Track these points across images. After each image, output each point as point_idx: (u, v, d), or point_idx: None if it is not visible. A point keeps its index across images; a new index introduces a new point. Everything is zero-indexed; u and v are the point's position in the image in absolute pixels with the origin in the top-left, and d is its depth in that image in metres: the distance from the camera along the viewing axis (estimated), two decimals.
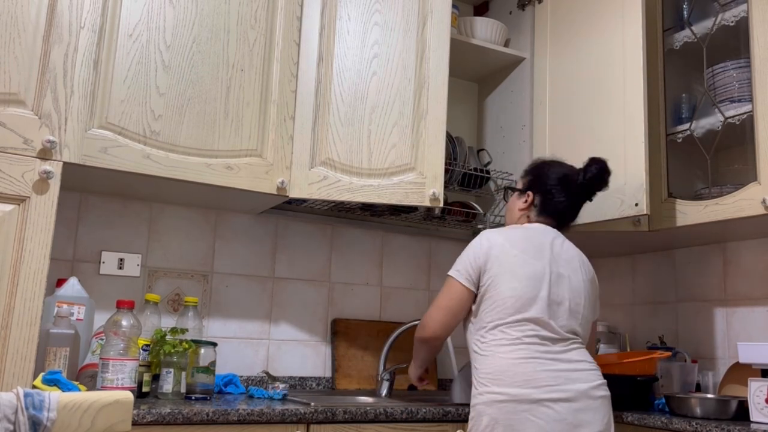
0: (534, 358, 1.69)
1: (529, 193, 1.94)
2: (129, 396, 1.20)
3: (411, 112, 2.14)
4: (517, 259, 1.77)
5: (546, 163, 1.99)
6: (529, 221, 1.92)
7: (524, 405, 1.64)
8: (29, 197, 1.66)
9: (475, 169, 2.56)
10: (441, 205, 2.12)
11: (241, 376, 2.24)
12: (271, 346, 2.36)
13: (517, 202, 1.96)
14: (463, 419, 1.88)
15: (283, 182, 2.01)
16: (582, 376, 1.70)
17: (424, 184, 2.11)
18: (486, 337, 1.74)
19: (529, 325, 1.72)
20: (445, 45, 2.19)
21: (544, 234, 1.86)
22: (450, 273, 1.83)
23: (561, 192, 1.91)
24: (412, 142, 2.12)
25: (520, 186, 1.99)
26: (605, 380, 1.76)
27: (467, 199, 2.60)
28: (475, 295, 1.80)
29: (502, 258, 1.77)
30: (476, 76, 2.81)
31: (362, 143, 2.11)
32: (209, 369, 1.94)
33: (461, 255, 1.84)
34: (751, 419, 1.83)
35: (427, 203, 2.10)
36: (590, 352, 1.85)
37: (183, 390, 1.87)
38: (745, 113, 2.07)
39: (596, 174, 1.90)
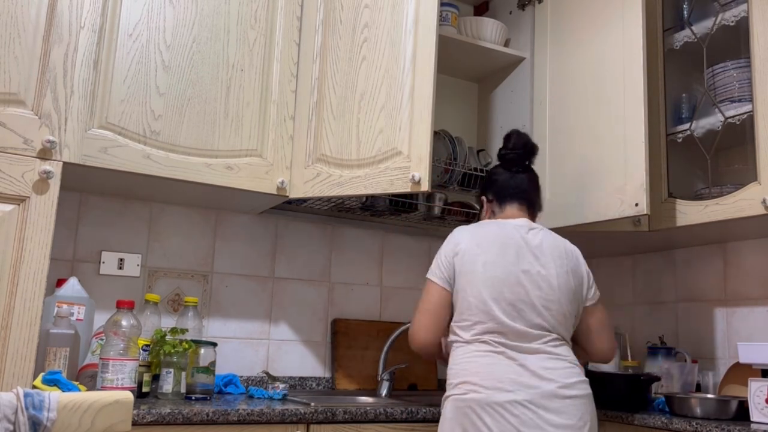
0: (496, 361, 1.66)
1: (483, 198, 1.98)
2: (129, 396, 1.20)
3: (398, 92, 2.01)
4: (479, 260, 1.75)
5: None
6: (496, 218, 1.91)
7: (481, 407, 1.61)
8: (29, 197, 1.66)
9: (475, 169, 2.56)
10: (425, 189, 1.94)
11: (241, 376, 2.24)
12: (271, 346, 2.36)
13: (485, 208, 1.98)
14: None
15: (283, 182, 2.01)
16: (550, 376, 1.65)
17: (409, 168, 1.94)
18: (455, 337, 1.75)
19: (492, 327, 1.69)
20: (432, 16, 2.01)
21: (515, 229, 1.82)
22: (427, 275, 1.83)
23: (497, 174, 1.96)
24: (398, 125, 1.98)
25: (479, 204, 2.03)
26: (583, 378, 1.71)
27: (467, 199, 2.60)
28: (452, 294, 1.78)
29: (466, 258, 1.76)
30: (476, 76, 2.81)
31: (351, 134, 2.05)
32: (209, 369, 1.94)
33: (437, 256, 1.84)
34: (752, 419, 1.83)
35: (408, 189, 1.94)
36: (587, 343, 1.84)
37: (183, 390, 1.87)
38: (745, 113, 2.07)
39: (514, 145, 1.95)
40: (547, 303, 1.73)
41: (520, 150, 1.96)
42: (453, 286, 1.77)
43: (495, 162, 2.06)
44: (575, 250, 1.87)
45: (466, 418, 1.62)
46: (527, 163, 1.97)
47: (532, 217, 1.92)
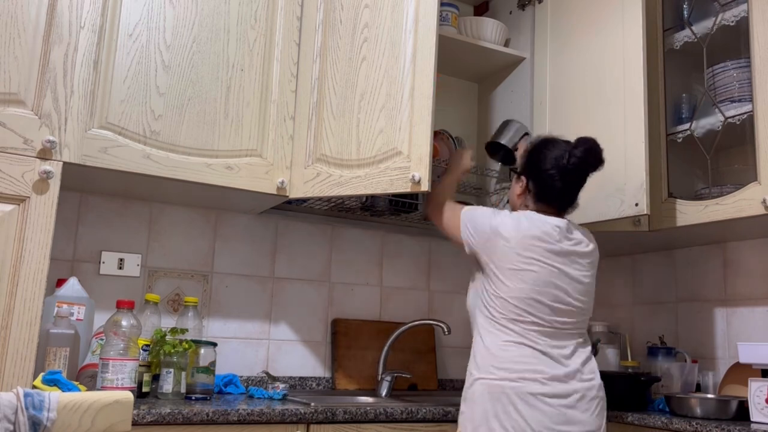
0: (532, 354, 1.71)
1: (523, 178, 1.90)
2: (129, 396, 1.20)
3: (398, 91, 2.00)
4: (521, 259, 1.76)
5: (543, 144, 1.91)
6: (528, 209, 1.88)
7: (518, 396, 1.66)
8: (29, 197, 1.65)
9: (476, 169, 2.56)
10: (425, 189, 1.91)
11: (241, 376, 2.24)
12: (271, 346, 2.36)
13: (515, 187, 1.93)
14: None
15: (283, 182, 2.01)
16: (584, 376, 1.73)
17: (409, 169, 1.92)
18: (490, 327, 1.76)
19: (531, 321, 1.73)
20: (432, 15, 1.99)
21: (555, 229, 1.80)
22: (461, 213, 1.89)
23: (554, 177, 1.84)
24: (398, 125, 1.97)
25: (518, 167, 1.95)
26: (602, 382, 1.79)
27: (467, 199, 2.60)
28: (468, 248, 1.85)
29: (508, 253, 1.76)
30: (476, 76, 2.81)
31: (351, 134, 2.04)
32: (209, 369, 1.94)
33: (478, 213, 1.87)
34: (751, 419, 1.83)
35: (408, 189, 1.92)
36: None
37: (183, 390, 1.87)
38: (745, 113, 2.07)
39: (582, 157, 1.83)
40: (581, 304, 1.80)
41: (591, 166, 1.85)
42: (480, 260, 1.82)
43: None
44: (595, 244, 1.91)
45: (498, 402, 1.67)
46: (586, 177, 1.88)
47: (563, 215, 1.89)
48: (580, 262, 1.82)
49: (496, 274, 1.77)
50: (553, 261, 1.78)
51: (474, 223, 1.85)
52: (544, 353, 1.72)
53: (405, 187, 1.92)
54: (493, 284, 1.78)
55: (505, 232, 1.78)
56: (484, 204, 2.67)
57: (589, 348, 1.82)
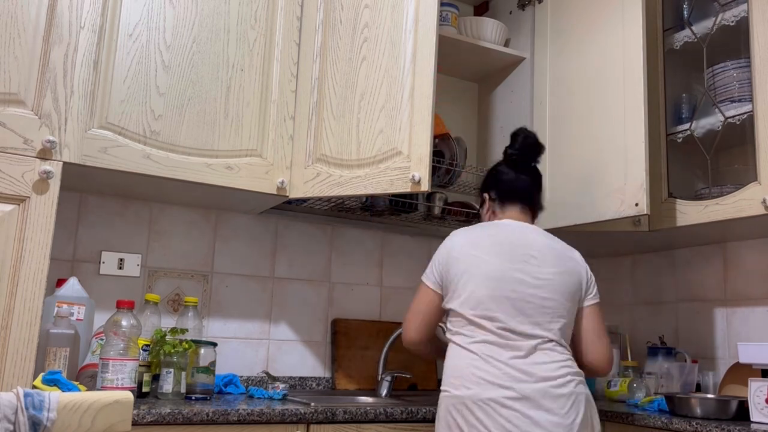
0: (489, 359, 1.66)
1: (485, 195, 1.96)
2: (129, 396, 1.20)
3: (398, 92, 2.01)
4: (474, 259, 1.75)
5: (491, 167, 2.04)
6: (497, 217, 1.90)
7: (474, 403, 1.62)
8: (29, 197, 1.65)
9: (478, 169, 2.56)
10: (425, 189, 1.94)
11: (241, 376, 2.24)
12: (271, 346, 2.36)
13: (483, 211, 1.98)
14: None
15: (283, 182, 2.01)
16: (543, 374, 1.65)
17: (409, 168, 1.94)
18: (449, 335, 1.76)
19: (489, 326, 1.68)
20: (432, 14, 2.00)
21: (512, 230, 1.81)
22: (422, 277, 1.85)
23: (502, 173, 1.94)
24: (398, 125, 1.98)
25: (480, 201, 2.01)
26: (576, 377, 1.69)
27: (467, 200, 2.60)
28: (442, 297, 1.80)
29: (461, 259, 1.76)
30: (476, 76, 2.81)
31: (351, 134, 2.04)
32: (209, 369, 1.94)
33: (433, 259, 1.85)
34: (751, 419, 1.83)
35: (408, 189, 1.94)
36: (579, 351, 1.80)
37: (183, 390, 1.87)
38: (745, 113, 2.07)
39: (521, 144, 1.93)
40: (544, 302, 1.72)
41: (527, 150, 1.94)
42: (445, 289, 1.78)
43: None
44: (574, 252, 1.85)
45: (459, 414, 1.64)
46: (533, 163, 1.96)
47: (533, 218, 1.92)
48: (532, 256, 1.76)
49: (455, 285, 1.75)
50: (508, 256, 1.75)
51: (431, 264, 1.83)
52: (500, 356, 1.66)
53: (405, 187, 1.93)
54: (450, 298, 1.76)
55: (456, 240, 1.81)
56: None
57: (559, 348, 1.72)
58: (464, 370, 1.67)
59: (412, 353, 1.95)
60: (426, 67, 1.98)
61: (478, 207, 2.04)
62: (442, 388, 1.72)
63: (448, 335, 1.77)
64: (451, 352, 1.74)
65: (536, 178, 1.95)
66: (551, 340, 1.71)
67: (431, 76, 1.98)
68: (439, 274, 1.80)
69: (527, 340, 1.68)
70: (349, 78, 2.07)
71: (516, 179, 1.91)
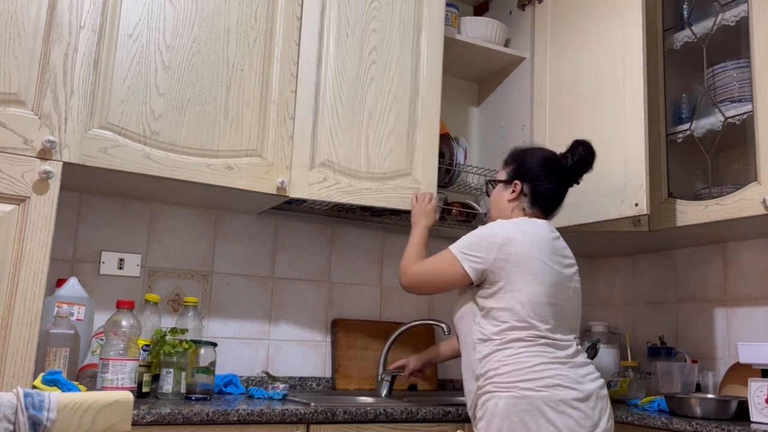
0: (551, 363, 1.68)
1: (517, 182, 1.87)
2: (129, 396, 1.20)
3: (407, 120, 2.20)
4: (537, 263, 1.73)
5: (526, 150, 1.96)
6: (525, 214, 1.86)
7: (545, 404, 1.63)
8: (29, 197, 1.65)
9: (477, 170, 2.56)
10: (436, 206, 2.15)
11: (241, 376, 2.24)
12: (271, 346, 2.36)
13: (504, 194, 1.90)
14: (463, 419, 1.88)
15: (283, 182, 2.01)
16: (591, 377, 1.73)
17: (419, 190, 2.17)
18: (502, 338, 1.71)
19: (543, 328, 1.71)
20: (438, 56, 2.26)
21: (551, 233, 1.82)
22: (453, 250, 1.77)
23: (549, 177, 1.86)
24: (408, 149, 2.18)
25: (503, 177, 1.92)
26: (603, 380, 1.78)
27: (467, 199, 2.60)
28: (475, 285, 1.76)
29: (521, 258, 1.72)
30: (476, 76, 2.81)
31: (360, 147, 2.13)
32: (209, 369, 1.94)
33: (472, 238, 1.76)
34: (751, 419, 1.83)
35: None
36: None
37: (183, 390, 1.87)
38: (745, 113, 2.07)
39: (584, 155, 1.88)
40: (576, 309, 1.83)
41: (585, 167, 1.89)
42: (489, 281, 1.73)
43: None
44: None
45: (527, 414, 1.63)
46: (578, 179, 1.93)
47: (549, 219, 1.93)
48: (570, 263, 1.83)
49: (511, 283, 1.71)
50: (558, 262, 1.78)
51: (472, 247, 1.75)
52: (559, 358, 1.70)
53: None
54: (503, 295, 1.72)
55: (514, 237, 1.74)
56: (480, 203, 2.67)
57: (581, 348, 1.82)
58: (526, 371, 1.66)
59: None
60: (432, 102, 2.23)
61: (496, 182, 1.94)
62: (496, 387, 1.68)
63: (497, 330, 1.72)
64: (505, 353, 1.70)
65: (566, 193, 1.92)
66: (579, 343, 1.80)
67: (437, 111, 2.23)
68: (487, 263, 1.72)
69: (571, 346, 1.75)
70: (357, 93, 2.15)
71: (559, 190, 1.89)
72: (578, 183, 1.93)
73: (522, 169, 1.89)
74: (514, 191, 1.88)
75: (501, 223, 1.79)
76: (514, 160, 1.93)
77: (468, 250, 1.75)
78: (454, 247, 1.78)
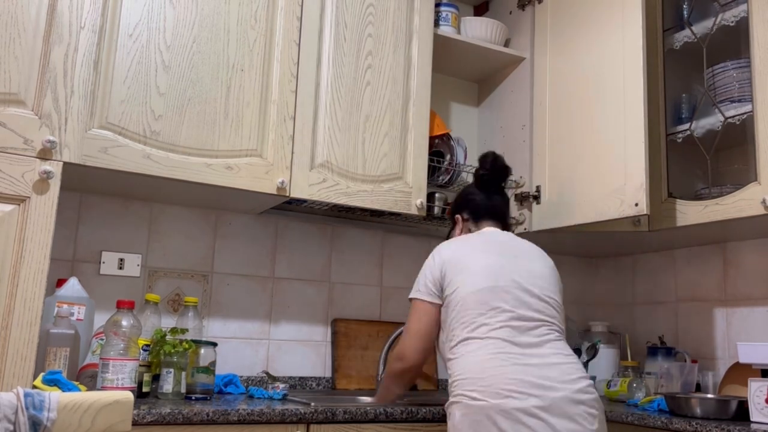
0: (502, 361, 1.61)
1: (456, 216, 2.02)
2: (129, 396, 1.20)
3: (399, 124, 2.24)
4: (470, 257, 1.78)
5: (460, 190, 2.12)
6: (471, 232, 1.97)
7: (496, 413, 1.55)
8: (29, 197, 1.66)
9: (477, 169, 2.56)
10: (423, 214, 2.25)
11: (241, 376, 2.24)
12: (271, 346, 2.36)
13: (455, 231, 2.02)
14: None
15: (283, 182, 2.01)
16: (557, 375, 1.61)
17: (411, 194, 2.22)
18: (455, 338, 1.70)
19: (495, 318, 1.67)
20: (428, 63, 2.32)
21: (496, 234, 1.91)
22: (411, 295, 1.84)
23: (474, 193, 2.02)
24: (400, 154, 2.23)
25: (451, 226, 2.06)
26: (589, 379, 1.67)
27: None
28: (437, 306, 1.79)
29: (455, 261, 1.78)
30: (476, 76, 2.81)
31: (357, 149, 2.16)
32: (209, 369, 1.94)
33: (419, 277, 1.85)
34: (751, 419, 1.83)
35: (414, 211, 2.22)
36: None
37: (183, 390, 1.87)
38: (745, 113, 2.07)
39: (492, 159, 2.02)
40: (544, 291, 1.76)
41: (498, 172, 2.03)
42: (443, 294, 1.77)
43: (506, 161, 2.08)
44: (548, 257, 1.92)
45: (479, 425, 1.56)
46: (502, 184, 2.05)
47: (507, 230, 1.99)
48: (527, 254, 1.83)
49: (451, 284, 1.74)
50: (497, 252, 1.80)
51: (420, 281, 1.83)
52: (509, 352, 1.63)
53: (407, 209, 2.21)
54: (449, 299, 1.74)
55: (441, 248, 1.85)
56: None
57: (563, 340, 1.73)
58: (476, 376, 1.61)
59: (384, 390, 1.93)
60: (423, 109, 2.28)
61: (448, 233, 2.09)
62: (452, 394, 1.65)
63: (449, 337, 1.73)
64: (458, 352, 1.68)
65: (505, 199, 2.05)
66: (556, 331, 1.73)
67: (426, 118, 2.29)
68: (434, 283, 1.79)
69: (536, 330, 1.68)
70: (354, 96, 2.17)
71: (489, 198, 2.00)
72: (505, 184, 2.06)
73: (455, 207, 2.06)
74: (457, 225, 2.02)
75: (435, 249, 1.88)
76: (453, 202, 2.10)
77: (419, 285, 1.84)
78: (411, 294, 1.86)
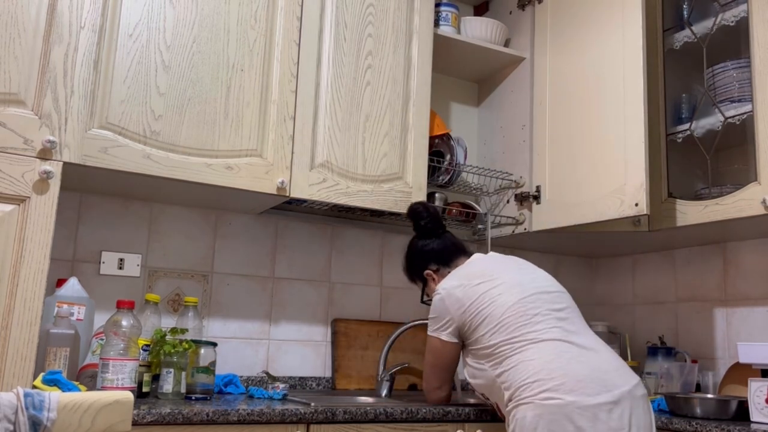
0: (563, 354, 1.64)
1: (427, 273, 2.01)
2: (129, 396, 1.20)
3: (399, 125, 2.24)
4: (485, 286, 1.79)
5: (405, 258, 2.09)
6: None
7: (569, 411, 1.57)
8: (29, 197, 1.66)
9: (478, 169, 2.56)
10: None
11: (241, 376, 2.24)
12: (271, 346, 2.36)
13: (432, 287, 1.99)
14: (463, 419, 1.88)
15: (282, 182, 2.01)
16: (615, 370, 1.65)
17: (411, 194, 2.22)
18: (503, 354, 1.70)
19: (541, 320, 1.70)
20: (428, 64, 2.32)
21: (482, 258, 1.95)
22: (431, 332, 1.87)
23: (428, 242, 2.01)
24: (400, 154, 2.23)
25: (422, 287, 2.06)
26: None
27: (467, 199, 2.61)
28: (461, 344, 1.83)
29: (467, 293, 1.80)
30: (476, 76, 2.81)
31: (357, 149, 2.16)
32: (209, 369, 1.94)
33: (431, 315, 1.87)
34: (751, 419, 1.83)
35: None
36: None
37: (183, 390, 1.87)
38: (745, 113, 2.07)
39: (425, 210, 2.05)
40: (558, 288, 1.83)
41: (435, 217, 2.05)
42: (468, 325, 1.79)
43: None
44: None
45: (556, 424, 1.57)
46: (439, 229, 2.05)
47: None
48: (525, 264, 1.91)
49: (478, 315, 1.76)
50: (504, 268, 1.85)
51: (435, 321, 1.85)
52: (572, 353, 1.65)
53: (406, 209, 2.17)
54: (481, 329, 1.75)
55: (450, 285, 1.84)
56: (479, 203, 2.67)
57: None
58: (543, 376, 1.61)
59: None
60: (422, 109, 2.28)
61: (421, 285, 2.08)
62: (515, 397, 1.64)
63: (501, 353, 1.71)
64: (514, 359, 1.67)
65: (450, 233, 2.06)
66: (583, 320, 1.79)
67: (426, 118, 2.28)
68: (454, 322, 1.81)
69: (576, 323, 1.74)
70: (354, 96, 2.17)
71: (444, 239, 2.02)
72: (445, 231, 2.05)
73: (415, 268, 2.04)
74: (430, 279, 2.01)
75: (438, 288, 1.88)
76: (409, 272, 2.08)
77: (435, 325, 1.86)
78: (429, 331, 1.88)
